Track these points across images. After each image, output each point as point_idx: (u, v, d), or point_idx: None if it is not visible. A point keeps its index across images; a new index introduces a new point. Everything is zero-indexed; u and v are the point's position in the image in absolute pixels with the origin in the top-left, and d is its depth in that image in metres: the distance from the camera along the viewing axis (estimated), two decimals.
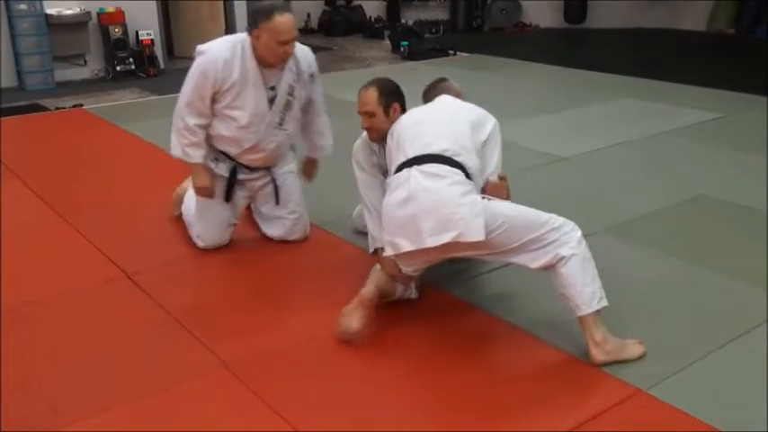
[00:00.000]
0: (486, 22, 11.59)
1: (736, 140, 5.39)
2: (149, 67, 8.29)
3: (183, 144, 3.37)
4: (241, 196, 3.63)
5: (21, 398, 2.49)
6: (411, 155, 2.83)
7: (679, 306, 3.07)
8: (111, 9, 8.16)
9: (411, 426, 2.36)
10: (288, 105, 3.40)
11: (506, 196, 2.99)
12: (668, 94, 6.90)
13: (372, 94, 3.12)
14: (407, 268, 2.89)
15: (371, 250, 3.21)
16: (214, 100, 3.30)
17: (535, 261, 2.69)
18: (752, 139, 5.33)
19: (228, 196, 3.55)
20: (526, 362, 2.72)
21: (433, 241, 2.65)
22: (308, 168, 3.80)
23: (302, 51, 3.42)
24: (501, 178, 2.99)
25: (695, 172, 4.72)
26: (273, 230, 3.69)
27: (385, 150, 3.10)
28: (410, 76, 8.20)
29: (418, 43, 9.50)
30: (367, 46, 10.47)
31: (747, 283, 3.23)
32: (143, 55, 8.32)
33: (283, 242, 3.69)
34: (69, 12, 7.95)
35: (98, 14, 8.15)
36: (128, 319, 3.03)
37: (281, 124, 3.43)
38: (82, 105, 6.91)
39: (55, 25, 7.81)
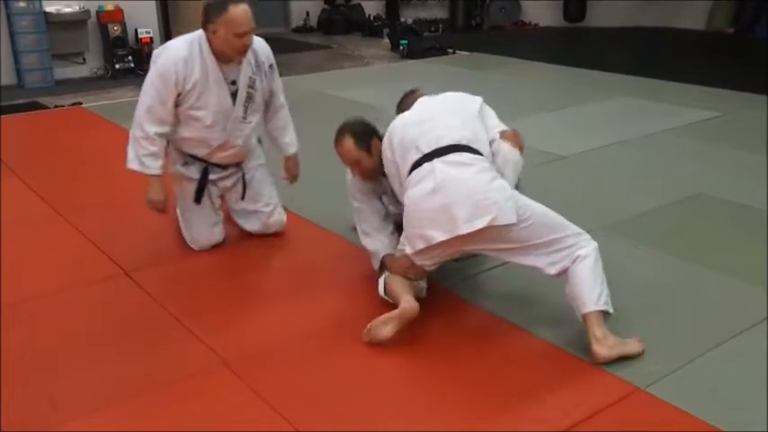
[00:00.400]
0: (486, 20, 11.60)
1: (735, 139, 5.39)
2: (148, 65, 8.27)
3: (140, 155, 3.26)
4: (214, 193, 3.61)
5: (20, 395, 2.49)
6: (427, 150, 2.81)
7: (678, 304, 3.07)
8: (110, 7, 8.16)
9: (410, 423, 2.36)
10: (249, 98, 3.34)
11: (521, 144, 3.04)
12: (667, 92, 6.91)
13: (348, 143, 3.08)
14: (426, 262, 2.86)
15: (377, 266, 3.12)
16: (177, 103, 3.23)
17: (553, 266, 2.72)
18: (751, 138, 5.34)
19: (198, 198, 3.52)
20: (524, 360, 2.72)
21: (468, 227, 2.63)
22: (290, 166, 3.76)
23: (259, 43, 3.38)
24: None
25: (694, 170, 4.72)
26: (250, 225, 3.70)
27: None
28: (409, 74, 8.21)
29: (417, 42, 9.50)
30: (366, 44, 10.47)
31: (746, 282, 3.23)
32: (142, 53, 8.31)
33: (275, 238, 3.72)
34: (68, 10, 7.95)
35: (97, 12, 8.16)
36: (126, 316, 3.03)
37: (245, 118, 3.39)
38: (81, 103, 6.91)
39: (54, 23, 7.81)
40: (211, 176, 3.54)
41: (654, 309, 3.03)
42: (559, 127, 5.81)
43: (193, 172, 3.51)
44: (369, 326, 2.75)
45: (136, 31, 8.35)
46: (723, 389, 2.51)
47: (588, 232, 3.58)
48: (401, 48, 9.42)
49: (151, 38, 8.41)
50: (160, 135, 3.27)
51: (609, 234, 3.68)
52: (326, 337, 2.85)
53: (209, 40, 3.17)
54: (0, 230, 3.80)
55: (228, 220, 3.78)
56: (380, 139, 3.08)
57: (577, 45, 10.66)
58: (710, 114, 6.08)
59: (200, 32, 3.20)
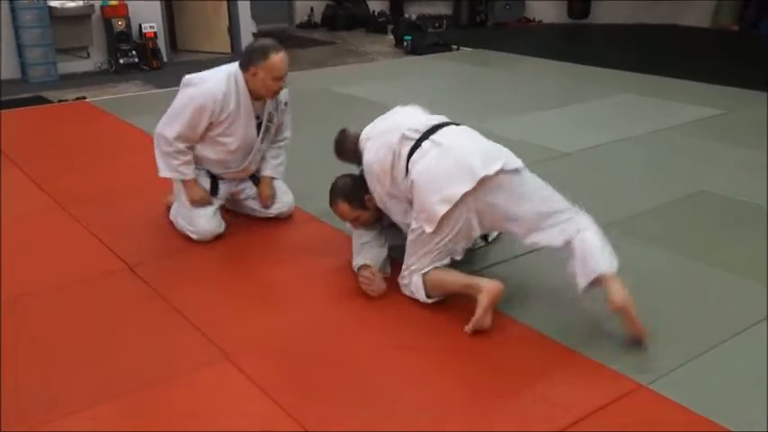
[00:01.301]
0: (490, 17, 11.58)
1: (739, 137, 5.38)
2: (152, 60, 8.29)
3: (174, 165, 3.51)
4: (223, 189, 3.74)
5: (19, 387, 2.50)
6: (418, 134, 2.95)
7: (680, 301, 3.07)
8: (114, 2, 8.16)
9: (410, 419, 2.36)
10: (267, 130, 3.65)
11: None
12: (671, 90, 6.89)
13: (343, 207, 3.21)
14: (447, 238, 2.88)
15: (356, 265, 3.16)
16: (207, 129, 3.46)
17: (561, 234, 2.83)
18: (754, 136, 5.32)
19: (215, 191, 3.70)
20: (526, 355, 2.72)
21: (486, 170, 2.78)
22: (263, 189, 3.79)
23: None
24: None
25: (697, 168, 4.72)
26: (257, 205, 3.84)
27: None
28: (413, 70, 8.21)
29: (421, 38, 9.49)
30: (370, 40, 10.46)
31: (749, 279, 3.23)
32: (146, 48, 8.32)
33: (279, 233, 3.77)
34: (72, 4, 7.96)
35: (101, 7, 8.16)
36: (129, 310, 3.04)
37: (261, 144, 3.67)
38: (85, 98, 6.91)
39: (58, 17, 7.82)
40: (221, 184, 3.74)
41: (656, 306, 3.03)
42: (562, 124, 5.80)
43: (203, 175, 3.67)
44: (470, 326, 2.77)
45: (140, 25, 8.35)
46: (726, 386, 2.51)
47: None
48: (405, 44, 9.41)
49: (155, 33, 8.42)
50: (189, 148, 3.53)
51: (611, 231, 3.65)
52: (330, 332, 2.86)
53: (247, 80, 3.42)
54: (0, 226, 3.80)
55: (229, 213, 3.79)
56: (369, 192, 3.14)
57: (581, 42, 10.64)
58: (714, 112, 6.07)
59: (236, 68, 3.45)
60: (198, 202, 3.58)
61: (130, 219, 3.91)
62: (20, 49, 7.73)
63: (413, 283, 2.99)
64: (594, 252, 2.77)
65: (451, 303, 3.05)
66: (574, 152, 5.05)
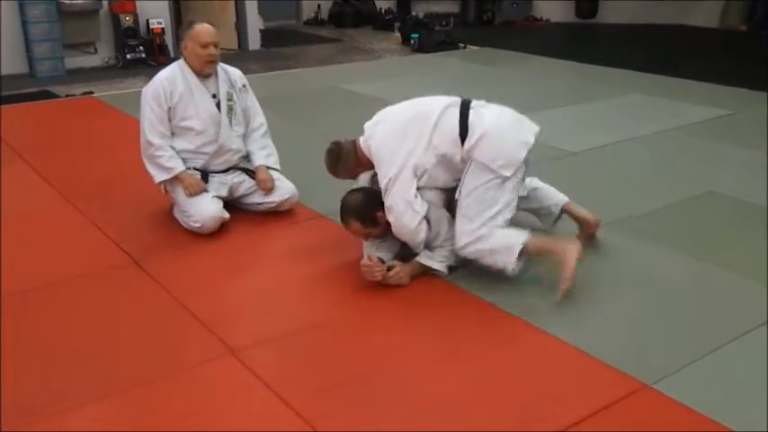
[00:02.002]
0: (497, 15, 11.57)
1: (747, 137, 5.36)
2: (159, 55, 8.31)
3: (161, 163, 3.67)
4: (214, 182, 3.80)
5: (26, 381, 2.51)
6: (457, 103, 3.19)
7: (686, 302, 3.07)
8: None
9: (413, 417, 2.37)
10: (231, 109, 3.78)
11: None
12: (679, 90, 6.87)
13: (355, 226, 3.20)
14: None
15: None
16: (170, 118, 3.68)
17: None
18: (762, 137, 5.30)
19: (205, 177, 3.78)
20: (529, 354, 2.72)
21: (533, 133, 3.16)
22: (261, 177, 3.85)
23: (231, 68, 3.92)
24: None
25: (704, 168, 4.70)
26: (261, 198, 3.89)
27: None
28: (419, 68, 8.21)
29: (428, 36, 9.48)
30: (377, 38, 10.46)
31: (755, 280, 3.22)
32: (153, 43, 8.34)
33: (285, 230, 3.78)
34: (80, 0, 7.97)
35: (109, 3, 8.18)
36: (134, 305, 3.05)
37: (231, 126, 3.79)
38: (92, 93, 6.94)
39: (66, 13, 7.84)
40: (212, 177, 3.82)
41: (662, 306, 3.03)
42: (569, 123, 5.79)
43: (192, 171, 3.76)
44: (565, 286, 2.97)
45: (147, 21, 8.37)
46: (730, 386, 2.51)
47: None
48: (412, 41, 9.41)
49: (162, 28, 8.44)
50: (167, 143, 3.71)
51: (618, 231, 3.67)
52: (335, 328, 2.86)
53: (185, 58, 3.70)
54: (0, 220, 3.83)
55: (234, 210, 3.81)
56: (382, 207, 3.16)
57: (589, 41, 10.61)
58: (722, 112, 6.05)
59: (180, 60, 3.75)
60: (195, 188, 3.66)
61: (136, 213, 3.93)
62: (28, 43, 7.75)
63: (495, 235, 3.04)
64: (553, 191, 3.53)
65: (453, 303, 3.05)
66: (580, 152, 5.04)
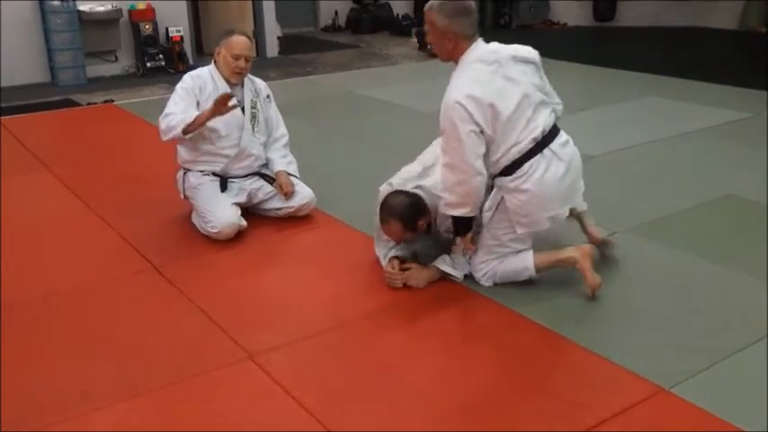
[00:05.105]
0: (514, 19, 11.55)
1: (766, 140, 5.31)
2: (179, 63, 8.39)
3: (180, 119, 3.60)
4: (234, 188, 3.84)
5: (51, 383, 2.56)
6: (530, 143, 2.95)
7: (704, 305, 3.05)
8: (141, 6, 8.28)
9: (432, 419, 2.38)
10: (254, 117, 3.87)
11: None
12: (698, 92, 6.83)
13: (396, 227, 3.15)
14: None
15: (385, 257, 3.29)
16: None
17: None
18: None
19: (224, 185, 3.81)
20: (546, 358, 2.72)
21: (570, 205, 3.13)
22: (282, 181, 3.89)
23: (257, 79, 4.01)
24: None
25: (724, 172, 4.67)
26: (280, 203, 3.91)
27: None
28: (437, 73, 8.22)
29: None
30: (394, 43, 10.49)
31: None
32: (173, 51, 8.43)
33: (304, 235, 3.80)
34: (101, 8, 8.09)
35: (129, 11, 8.28)
36: (155, 310, 3.09)
37: (254, 133, 3.86)
38: (113, 101, 7.02)
39: (87, 22, 7.95)
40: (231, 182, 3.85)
41: (681, 309, 3.01)
42: (588, 127, 5.76)
43: (211, 177, 3.81)
44: (590, 290, 3.03)
45: (167, 29, 8.46)
46: (748, 390, 2.49)
47: (615, 234, 3.62)
48: (429, 47, 9.39)
49: (182, 36, 8.52)
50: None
51: (637, 235, 3.66)
52: (351, 332, 2.88)
53: (217, 63, 3.79)
54: (0, 228, 3.89)
55: (251, 216, 3.84)
56: (425, 215, 3.16)
57: (607, 44, 10.57)
58: (741, 115, 6.00)
59: (211, 64, 3.84)
60: (222, 106, 3.55)
61: (156, 220, 3.97)
62: (49, 52, 7.87)
63: (505, 262, 3.14)
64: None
65: (468, 307, 3.06)
66: (599, 155, 5.02)
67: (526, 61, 3.13)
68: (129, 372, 2.63)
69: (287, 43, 9.85)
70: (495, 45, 3.08)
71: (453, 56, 3.02)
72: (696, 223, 3.90)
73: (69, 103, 7.06)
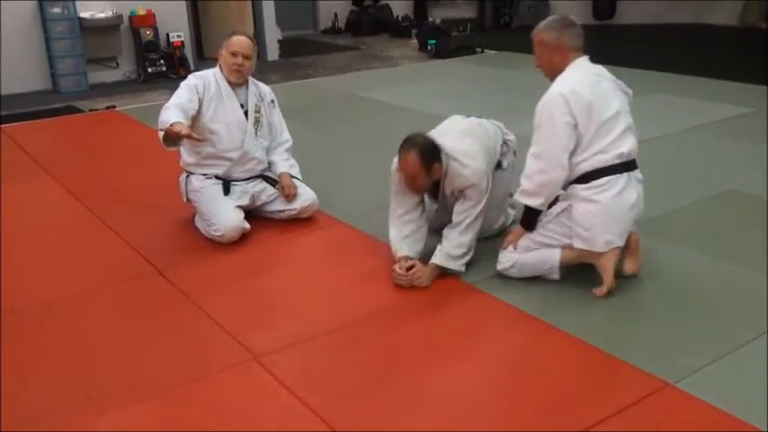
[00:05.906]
0: (514, 19, 11.54)
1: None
2: (180, 68, 8.40)
3: (173, 116, 3.43)
4: (237, 190, 3.83)
5: (55, 386, 2.56)
6: (614, 158, 2.98)
7: (708, 301, 3.05)
8: (142, 12, 8.29)
9: (438, 418, 2.37)
10: (257, 121, 3.88)
11: None
12: (699, 89, 6.83)
13: (414, 157, 3.13)
14: None
15: (396, 251, 3.27)
16: (198, 112, 3.68)
17: None
18: None
19: (227, 189, 3.80)
20: (552, 354, 2.72)
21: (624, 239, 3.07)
22: (284, 183, 3.89)
23: (261, 84, 4.03)
24: None
25: (726, 167, 4.67)
26: (282, 205, 3.91)
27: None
28: (437, 74, 8.22)
29: (445, 41, 9.49)
30: (394, 45, 10.50)
31: None
32: (173, 56, 8.45)
33: (307, 236, 3.81)
34: (102, 15, 8.11)
35: (129, 17, 8.30)
36: (159, 313, 3.09)
37: (256, 136, 3.86)
38: (114, 107, 7.03)
39: (88, 28, 7.97)
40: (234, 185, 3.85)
41: (685, 305, 3.01)
42: None
43: (214, 180, 3.80)
44: (605, 289, 3.02)
45: (167, 34, 8.47)
46: (754, 384, 2.48)
47: None
48: (429, 48, 9.43)
49: (182, 42, 8.54)
50: (181, 113, 3.54)
51: (641, 231, 3.64)
52: (355, 331, 2.88)
53: (220, 66, 3.81)
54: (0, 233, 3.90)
55: (254, 219, 3.84)
56: (441, 163, 3.17)
57: (607, 42, 10.54)
58: (743, 110, 6.00)
59: (216, 67, 3.85)
60: (175, 128, 3.37)
61: (159, 224, 3.98)
62: (51, 60, 7.89)
63: (529, 255, 3.15)
64: None
65: (474, 306, 3.06)
66: None
67: (624, 90, 3.24)
68: (133, 375, 2.63)
69: (287, 46, 9.87)
70: (598, 66, 3.23)
71: (560, 67, 3.16)
72: (700, 218, 3.90)
73: (71, 110, 7.08)
